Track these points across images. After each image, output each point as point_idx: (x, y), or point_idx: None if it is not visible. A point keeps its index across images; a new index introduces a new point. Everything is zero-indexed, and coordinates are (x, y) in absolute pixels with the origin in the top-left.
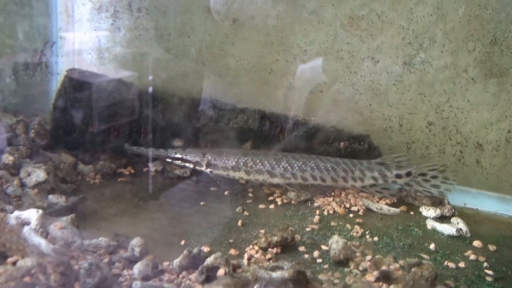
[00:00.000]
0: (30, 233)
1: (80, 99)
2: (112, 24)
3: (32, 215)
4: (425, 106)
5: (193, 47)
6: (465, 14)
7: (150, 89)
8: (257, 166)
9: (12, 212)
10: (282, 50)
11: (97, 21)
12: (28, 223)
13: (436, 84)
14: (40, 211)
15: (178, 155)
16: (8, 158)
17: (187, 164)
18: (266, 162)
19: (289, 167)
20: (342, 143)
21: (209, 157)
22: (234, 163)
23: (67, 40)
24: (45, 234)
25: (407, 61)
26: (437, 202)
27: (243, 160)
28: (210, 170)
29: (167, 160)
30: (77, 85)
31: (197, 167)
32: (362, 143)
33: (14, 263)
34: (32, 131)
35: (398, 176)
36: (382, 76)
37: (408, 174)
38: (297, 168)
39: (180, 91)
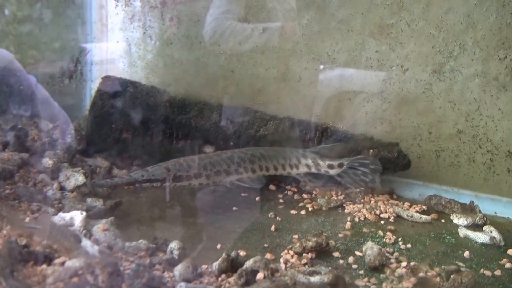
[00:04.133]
0: (76, 234)
1: (114, 105)
2: (144, 33)
3: (76, 217)
4: (454, 114)
5: (223, 55)
6: (496, 22)
7: (182, 96)
8: (216, 168)
9: (55, 215)
10: (311, 59)
11: (130, 30)
12: (72, 225)
13: (466, 92)
14: (84, 213)
15: (146, 177)
16: (48, 162)
17: (154, 184)
18: (222, 162)
19: (241, 162)
20: (371, 150)
21: (174, 171)
22: (195, 170)
23: (101, 49)
24: (88, 235)
25: (436, 69)
26: (468, 210)
27: (202, 164)
28: (175, 183)
29: (136, 185)
30: (111, 91)
31: (164, 184)
32: (391, 150)
33: (62, 264)
34: (69, 136)
35: (330, 166)
36: (411, 84)
37: (340, 165)
38: (248, 161)
39: (210, 98)
